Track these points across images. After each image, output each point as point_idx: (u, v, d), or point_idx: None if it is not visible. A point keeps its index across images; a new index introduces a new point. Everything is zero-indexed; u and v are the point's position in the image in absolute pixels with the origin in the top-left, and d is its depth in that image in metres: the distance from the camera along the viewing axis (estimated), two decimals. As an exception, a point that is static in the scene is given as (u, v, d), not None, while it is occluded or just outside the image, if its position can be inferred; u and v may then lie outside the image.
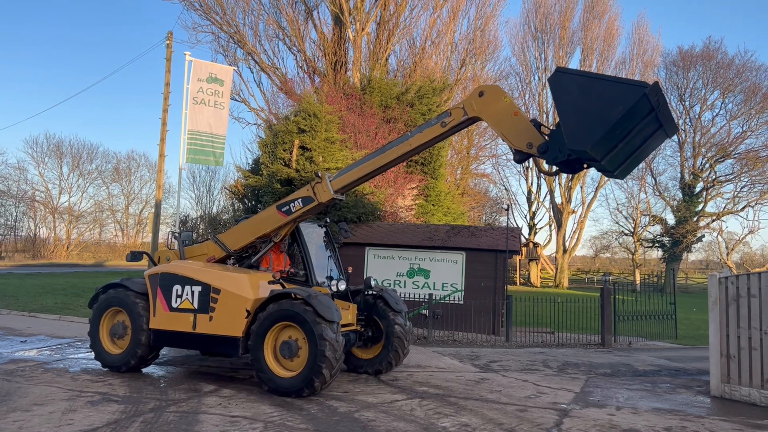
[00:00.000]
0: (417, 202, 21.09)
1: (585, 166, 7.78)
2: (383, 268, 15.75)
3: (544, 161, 7.94)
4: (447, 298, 15.13)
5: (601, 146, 6.78)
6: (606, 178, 45.32)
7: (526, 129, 7.78)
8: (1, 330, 12.86)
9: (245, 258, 9.61)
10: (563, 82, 7.15)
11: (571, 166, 7.77)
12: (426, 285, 15.58)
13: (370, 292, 9.39)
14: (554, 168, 8.07)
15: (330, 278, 9.18)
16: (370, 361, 9.42)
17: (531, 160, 8.30)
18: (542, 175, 46.54)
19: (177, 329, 8.56)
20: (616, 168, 7.29)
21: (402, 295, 14.17)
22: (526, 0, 45.53)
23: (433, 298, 14.52)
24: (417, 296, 14.76)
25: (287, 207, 9.13)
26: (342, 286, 9.07)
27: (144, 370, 9.27)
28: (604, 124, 6.60)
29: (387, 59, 25.82)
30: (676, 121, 7.69)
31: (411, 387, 8.74)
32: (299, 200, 9.07)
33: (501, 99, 8.00)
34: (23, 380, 8.28)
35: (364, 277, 14.54)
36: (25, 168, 55.22)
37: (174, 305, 8.60)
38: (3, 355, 10.07)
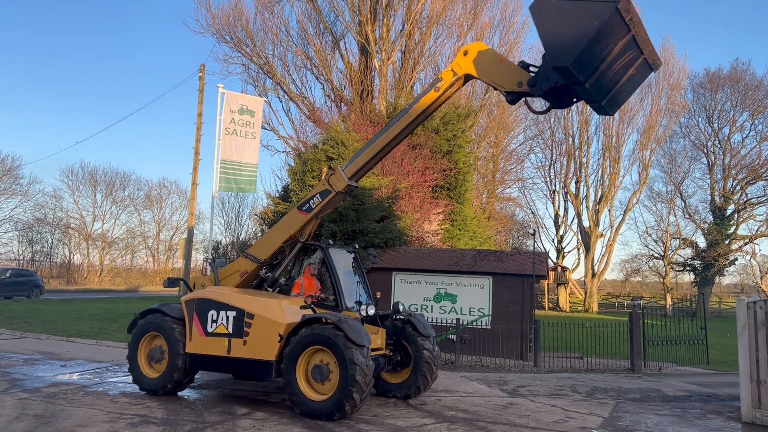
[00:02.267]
0: (443, 227, 21.26)
1: (574, 100, 8.24)
2: (410, 293, 15.90)
3: (535, 97, 8.43)
4: (474, 323, 15.20)
5: (582, 64, 7.13)
6: (634, 201, 44.96)
7: (513, 71, 8.33)
8: (42, 354, 13.32)
9: (275, 266, 9.89)
10: (543, 7, 7.55)
11: (561, 99, 8.20)
12: (453, 310, 15.67)
13: (399, 317, 9.58)
14: (545, 106, 8.57)
15: (359, 303, 9.40)
16: (399, 385, 9.57)
17: (524, 102, 8.73)
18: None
19: (212, 353, 8.84)
20: (604, 97, 7.61)
21: (429, 320, 14.26)
22: (549, 25, 45.52)
23: (461, 322, 14.60)
24: (444, 321, 14.85)
25: (307, 205, 9.56)
26: (371, 311, 9.28)
27: (179, 393, 9.55)
28: (582, 39, 6.99)
29: (412, 87, 26.28)
30: (659, 55, 8.05)
31: (440, 411, 8.86)
32: (317, 195, 9.50)
33: (485, 51, 8.58)
34: (66, 402, 8.62)
35: (392, 301, 14.73)
36: (60, 196, 56.58)
37: (209, 330, 8.90)
38: (45, 379, 10.46)
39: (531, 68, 8.26)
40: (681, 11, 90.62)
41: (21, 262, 51.52)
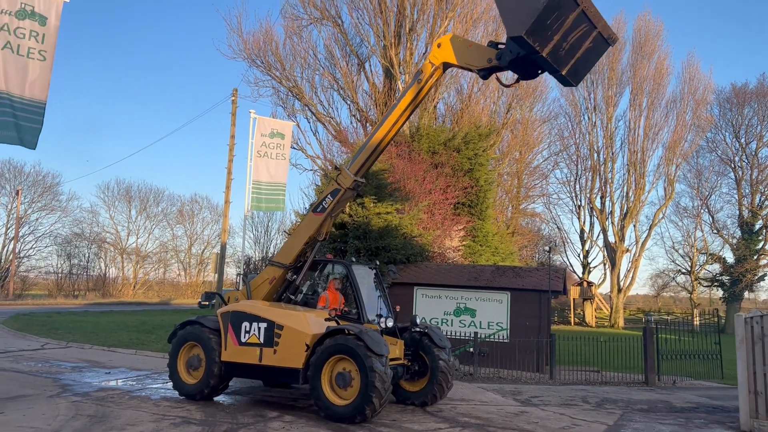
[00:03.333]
0: (464, 243, 21.90)
1: (539, 72, 9.15)
2: (431, 307, 16.58)
3: (502, 71, 9.42)
4: (491, 337, 15.79)
5: (535, 34, 8.05)
6: (659, 217, 44.88)
7: (483, 50, 9.43)
8: (87, 362, 14.34)
9: (299, 269, 10.77)
10: None
11: (526, 70, 9.16)
12: (472, 323, 16.29)
13: (416, 329, 10.29)
14: (514, 78, 9.60)
15: (379, 316, 10.16)
16: (417, 393, 10.27)
17: (496, 78, 9.80)
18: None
19: (245, 361, 9.68)
20: (563, 67, 8.56)
21: (449, 333, 14.95)
22: (573, 42, 46.01)
23: (479, 336, 15.21)
24: (463, 334, 15.48)
25: (321, 206, 10.55)
26: (390, 323, 10.03)
27: (215, 398, 10.39)
28: (533, 11, 7.89)
29: (435, 107, 27.10)
30: (614, 30, 9.03)
31: (454, 417, 9.54)
32: (329, 196, 10.52)
33: (455, 40, 9.71)
34: (114, 405, 9.53)
35: (413, 315, 15.43)
36: (97, 212, 59.07)
37: (243, 340, 9.74)
38: (93, 384, 11.42)
39: (499, 45, 9.23)
40: (706, 27, 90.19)
41: (59, 275, 53.55)
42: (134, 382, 11.88)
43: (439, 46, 9.81)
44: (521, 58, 8.63)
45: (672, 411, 10.80)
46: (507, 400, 11.46)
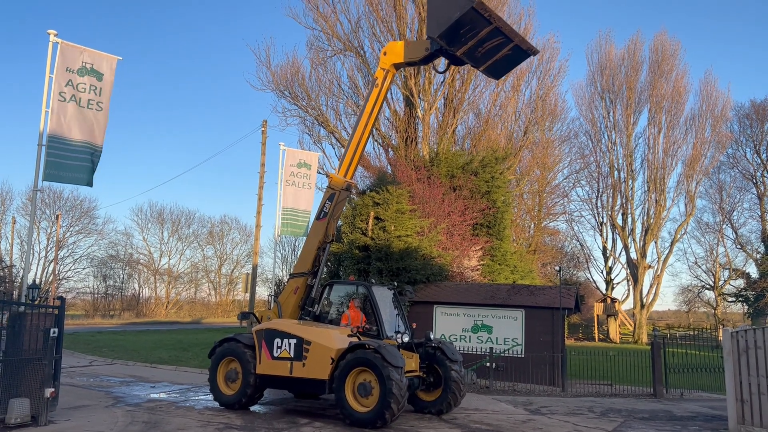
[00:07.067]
0: (483, 263, 22.85)
1: (465, 62, 10.90)
2: (450, 324, 17.56)
3: (436, 57, 11.24)
4: (507, 352, 16.70)
5: (448, 38, 9.89)
6: (681, 233, 45.15)
7: (420, 44, 11.33)
8: (133, 377, 15.67)
9: (316, 272, 12.07)
10: None
11: (453, 58, 10.89)
12: (489, 340, 17.22)
13: (431, 344, 11.35)
14: (445, 64, 11.50)
15: (397, 332, 11.24)
16: (433, 402, 11.30)
17: (432, 66, 12.11)
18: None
19: (277, 374, 10.85)
20: (479, 65, 10.61)
21: (467, 349, 15.92)
22: (591, 62, 46.70)
23: (494, 351, 16.15)
24: (481, 350, 16.43)
25: (323, 213, 12.10)
26: (405, 339, 11.11)
27: (251, 408, 11.55)
28: (446, 21, 9.67)
29: (454, 131, 28.24)
30: (534, 45, 10.75)
31: (466, 424, 10.55)
32: (327, 201, 12.12)
33: (397, 45, 11.69)
34: (164, 413, 10.76)
35: (434, 332, 16.42)
36: (131, 234, 61.36)
37: (275, 354, 10.92)
38: (141, 396, 12.69)
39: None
40: (723, 45, 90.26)
41: (96, 296, 55.67)
42: (178, 395, 13.12)
43: (385, 54, 11.69)
44: (445, 49, 10.41)
45: (671, 419, 11.62)
46: (518, 409, 12.40)
